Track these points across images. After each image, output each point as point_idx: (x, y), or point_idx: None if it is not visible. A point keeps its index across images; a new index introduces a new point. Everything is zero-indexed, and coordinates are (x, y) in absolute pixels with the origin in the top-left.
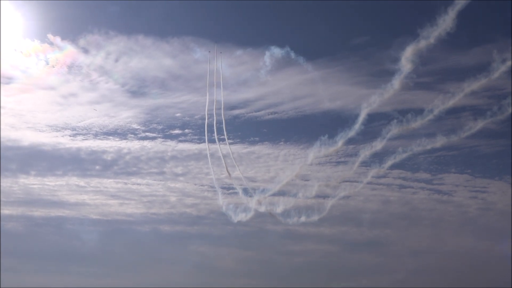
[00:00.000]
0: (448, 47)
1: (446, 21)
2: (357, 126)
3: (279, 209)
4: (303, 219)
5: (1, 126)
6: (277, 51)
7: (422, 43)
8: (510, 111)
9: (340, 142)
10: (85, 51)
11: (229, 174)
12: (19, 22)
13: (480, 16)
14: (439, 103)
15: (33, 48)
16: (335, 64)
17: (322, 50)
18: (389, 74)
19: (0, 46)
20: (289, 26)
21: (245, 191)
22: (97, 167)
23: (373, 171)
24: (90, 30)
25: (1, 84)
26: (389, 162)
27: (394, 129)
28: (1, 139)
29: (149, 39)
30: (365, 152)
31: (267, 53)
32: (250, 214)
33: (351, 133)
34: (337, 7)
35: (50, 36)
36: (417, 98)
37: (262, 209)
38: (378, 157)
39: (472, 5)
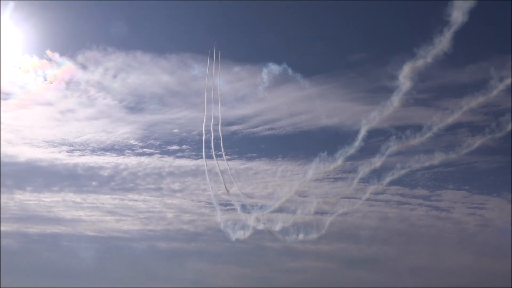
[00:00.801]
0: (444, 65)
1: (442, 42)
2: (357, 143)
3: (277, 227)
4: (301, 236)
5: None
6: (274, 68)
7: (420, 62)
8: (509, 128)
9: (340, 160)
10: (83, 67)
11: (227, 190)
12: (18, 38)
13: (475, 34)
14: (436, 120)
15: (31, 64)
16: (332, 81)
17: (319, 67)
18: (386, 90)
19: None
20: (286, 43)
21: (243, 207)
22: (94, 183)
23: (371, 188)
24: (88, 47)
25: (0, 100)
26: (388, 178)
27: (393, 146)
28: None
29: (148, 55)
30: (364, 168)
31: (265, 70)
32: (248, 232)
33: (351, 150)
34: (333, 24)
35: (48, 52)
36: (414, 114)
37: (261, 226)
38: (376, 173)
39: (467, 24)
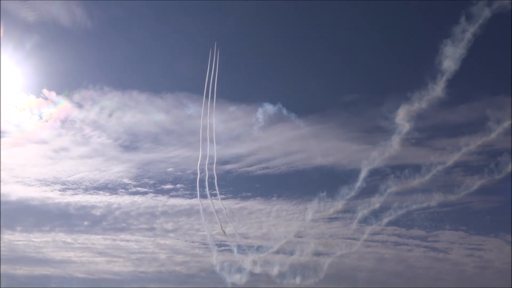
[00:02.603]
0: (436, 105)
1: (436, 90)
2: (357, 184)
3: (274, 270)
4: (298, 280)
5: None
6: (269, 108)
7: (415, 105)
8: (507, 168)
9: (340, 203)
10: (79, 105)
11: (223, 231)
12: (16, 77)
13: (467, 75)
14: (432, 160)
15: (28, 103)
16: (327, 120)
17: (313, 107)
18: (380, 130)
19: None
20: (281, 83)
21: (239, 248)
22: (86, 222)
23: (369, 228)
24: (85, 86)
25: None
26: (385, 219)
27: (392, 187)
28: None
29: (144, 94)
30: (362, 210)
31: (260, 110)
32: (245, 277)
33: (351, 192)
34: (327, 65)
35: (45, 91)
36: (409, 154)
37: (258, 269)
38: (373, 213)
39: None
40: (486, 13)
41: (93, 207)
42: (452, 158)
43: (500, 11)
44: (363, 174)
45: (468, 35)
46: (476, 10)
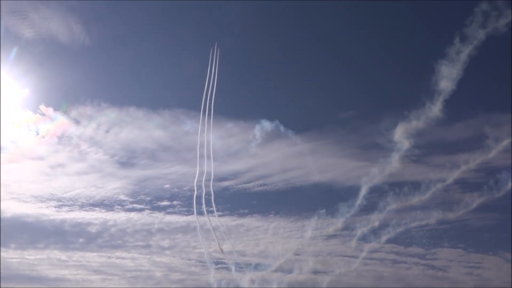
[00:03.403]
0: (433, 123)
1: (432, 108)
2: (355, 201)
3: None
4: None
5: None
6: (267, 124)
7: (412, 123)
8: (507, 186)
9: (339, 221)
10: (77, 122)
11: (221, 248)
12: (14, 93)
13: (463, 93)
14: (430, 177)
15: (25, 119)
16: (324, 137)
17: (311, 124)
18: (377, 147)
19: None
20: (278, 100)
21: (236, 266)
22: (81, 239)
23: (367, 246)
24: (82, 102)
25: None
26: (384, 236)
27: (392, 204)
28: None
29: (141, 111)
30: (361, 227)
31: (257, 126)
32: None
33: (351, 211)
34: (324, 83)
35: (42, 107)
36: (406, 171)
37: None
38: (371, 231)
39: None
40: (481, 34)
41: (89, 224)
42: (451, 175)
43: (494, 33)
44: (360, 191)
45: (463, 55)
46: (471, 31)
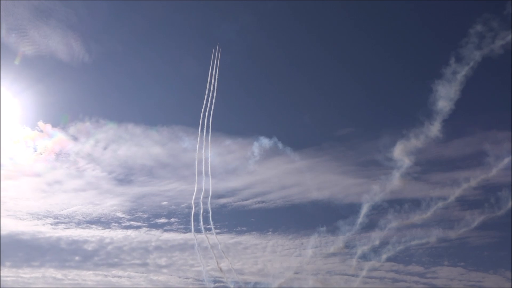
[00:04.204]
0: (431, 140)
1: (431, 128)
2: (354, 219)
3: None
4: None
5: None
6: (265, 141)
7: (412, 141)
8: (508, 204)
9: (337, 238)
10: (75, 138)
11: (219, 267)
12: (12, 109)
13: (459, 112)
14: (429, 194)
15: (23, 136)
16: (322, 154)
17: (309, 141)
18: (376, 164)
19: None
20: (276, 117)
21: (234, 284)
22: (77, 257)
23: (366, 264)
24: (81, 119)
25: None
26: (383, 255)
27: (390, 221)
28: None
29: (139, 127)
30: (360, 245)
31: (256, 143)
32: None
33: (348, 228)
34: (321, 100)
35: (40, 124)
36: (405, 188)
37: None
38: (370, 249)
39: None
40: (477, 56)
41: (85, 241)
42: (450, 193)
43: (489, 54)
44: (359, 208)
45: (460, 76)
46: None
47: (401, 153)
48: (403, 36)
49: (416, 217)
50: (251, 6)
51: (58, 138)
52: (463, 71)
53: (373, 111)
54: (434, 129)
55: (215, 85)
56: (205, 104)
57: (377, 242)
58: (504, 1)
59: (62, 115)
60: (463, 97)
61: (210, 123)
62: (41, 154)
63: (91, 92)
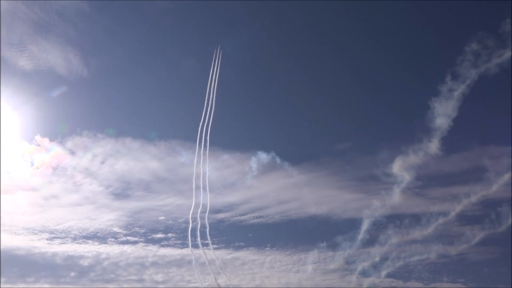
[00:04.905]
0: (429, 156)
1: (430, 146)
2: (353, 234)
3: None
4: None
5: None
6: (263, 156)
7: (411, 157)
8: (508, 220)
9: (335, 254)
10: (72, 152)
11: (217, 283)
12: (10, 123)
13: (458, 127)
14: (428, 210)
15: (20, 149)
16: (320, 169)
17: (307, 155)
18: (374, 179)
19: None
20: (274, 132)
21: None
22: (72, 273)
23: (365, 281)
24: (78, 133)
25: None
26: (383, 271)
27: (388, 237)
28: None
29: (137, 142)
30: (360, 261)
31: (253, 158)
32: None
33: (347, 243)
34: (319, 115)
35: (38, 138)
36: (403, 204)
37: None
38: (369, 265)
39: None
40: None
41: (81, 257)
42: (449, 209)
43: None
44: (358, 223)
45: (457, 93)
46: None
47: (400, 168)
48: (401, 52)
49: (416, 233)
50: (244, 26)
51: (55, 152)
52: (459, 89)
53: (371, 126)
54: (433, 146)
55: (213, 100)
56: (203, 118)
57: (376, 258)
58: (499, 20)
59: (60, 126)
60: (460, 114)
61: (208, 137)
62: (38, 168)
63: (89, 106)
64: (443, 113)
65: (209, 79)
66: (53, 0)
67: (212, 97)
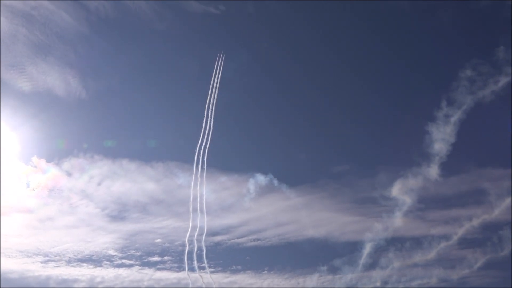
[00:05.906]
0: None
1: (430, 171)
2: (351, 257)
3: None
4: None
5: None
6: (260, 178)
7: (409, 181)
8: (509, 243)
9: (336, 279)
10: (68, 174)
11: None
12: (8, 144)
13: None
14: (427, 233)
15: (16, 171)
16: (317, 191)
17: (304, 177)
18: (371, 202)
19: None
20: (272, 154)
21: None
22: None
23: None
24: (75, 154)
25: None
26: None
27: (390, 260)
28: None
29: (134, 163)
30: (360, 285)
31: (251, 180)
32: None
33: (345, 267)
34: (316, 138)
35: (34, 159)
36: (402, 227)
37: None
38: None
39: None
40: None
41: (75, 280)
42: (450, 232)
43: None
44: (356, 246)
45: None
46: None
47: (399, 191)
48: (399, 74)
49: (416, 257)
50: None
51: (51, 174)
52: (456, 115)
53: (369, 149)
54: (432, 170)
55: (211, 122)
56: (201, 140)
57: (377, 283)
58: (493, 47)
59: (57, 147)
60: (459, 139)
61: (206, 159)
62: (34, 190)
63: (87, 127)
64: (441, 138)
65: (207, 103)
66: (53, 22)
67: (210, 119)
